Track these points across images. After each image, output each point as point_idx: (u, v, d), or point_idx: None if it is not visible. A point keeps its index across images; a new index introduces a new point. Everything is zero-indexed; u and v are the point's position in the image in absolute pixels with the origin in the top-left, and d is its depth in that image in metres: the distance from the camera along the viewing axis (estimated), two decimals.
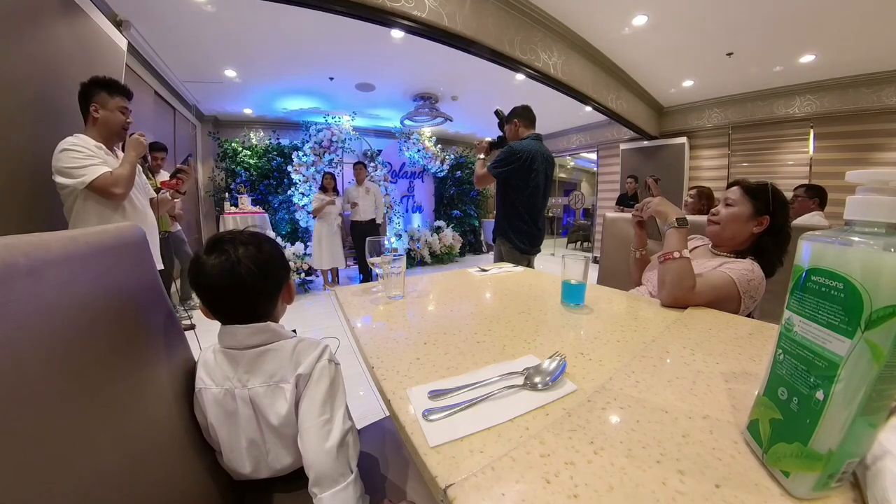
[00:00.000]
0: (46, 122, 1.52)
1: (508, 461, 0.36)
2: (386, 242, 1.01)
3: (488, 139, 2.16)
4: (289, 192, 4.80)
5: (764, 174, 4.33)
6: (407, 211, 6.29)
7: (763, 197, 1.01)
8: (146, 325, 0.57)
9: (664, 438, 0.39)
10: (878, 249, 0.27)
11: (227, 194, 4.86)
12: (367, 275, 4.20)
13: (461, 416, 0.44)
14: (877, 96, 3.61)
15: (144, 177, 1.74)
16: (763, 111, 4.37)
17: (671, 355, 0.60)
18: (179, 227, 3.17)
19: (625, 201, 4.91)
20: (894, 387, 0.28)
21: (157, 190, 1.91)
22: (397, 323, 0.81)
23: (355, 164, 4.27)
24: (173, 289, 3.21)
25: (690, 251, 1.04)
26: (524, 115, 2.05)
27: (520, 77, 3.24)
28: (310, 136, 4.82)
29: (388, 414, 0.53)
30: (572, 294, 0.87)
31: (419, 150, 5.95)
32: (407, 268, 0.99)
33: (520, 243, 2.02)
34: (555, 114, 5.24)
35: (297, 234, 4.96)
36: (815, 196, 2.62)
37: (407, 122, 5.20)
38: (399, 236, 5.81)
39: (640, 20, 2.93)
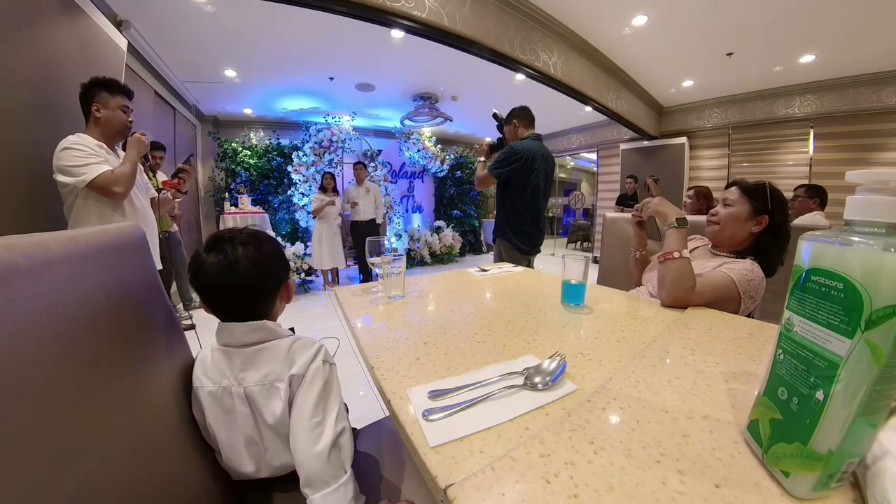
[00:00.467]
0: (46, 122, 1.52)
1: (508, 461, 0.36)
2: (386, 242, 1.01)
3: (488, 140, 2.16)
4: (289, 192, 4.80)
5: (764, 174, 4.33)
6: (407, 211, 6.29)
7: (762, 196, 1.01)
8: (146, 325, 0.57)
9: (664, 438, 0.39)
10: (878, 249, 0.27)
11: (227, 194, 4.86)
12: (367, 275, 4.20)
13: (461, 416, 0.44)
14: (877, 96, 3.61)
15: (145, 176, 1.74)
16: (763, 111, 4.37)
17: (671, 355, 0.60)
18: (177, 228, 3.17)
19: (624, 201, 4.91)
20: (894, 387, 0.28)
21: (159, 190, 1.91)
22: (397, 323, 0.81)
23: (355, 164, 4.27)
24: (173, 289, 3.22)
25: (690, 251, 1.04)
26: (523, 115, 2.05)
27: (520, 77, 3.24)
28: (310, 136, 4.82)
29: (387, 414, 0.53)
30: (572, 294, 0.87)
31: (419, 150, 5.95)
32: (407, 268, 0.99)
33: (520, 243, 2.02)
34: (555, 114, 5.23)
35: (297, 234, 4.96)
36: (816, 196, 2.62)
37: (407, 122, 5.20)
38: (399, 236, 5.81)
39: (640, 20, 2.93)
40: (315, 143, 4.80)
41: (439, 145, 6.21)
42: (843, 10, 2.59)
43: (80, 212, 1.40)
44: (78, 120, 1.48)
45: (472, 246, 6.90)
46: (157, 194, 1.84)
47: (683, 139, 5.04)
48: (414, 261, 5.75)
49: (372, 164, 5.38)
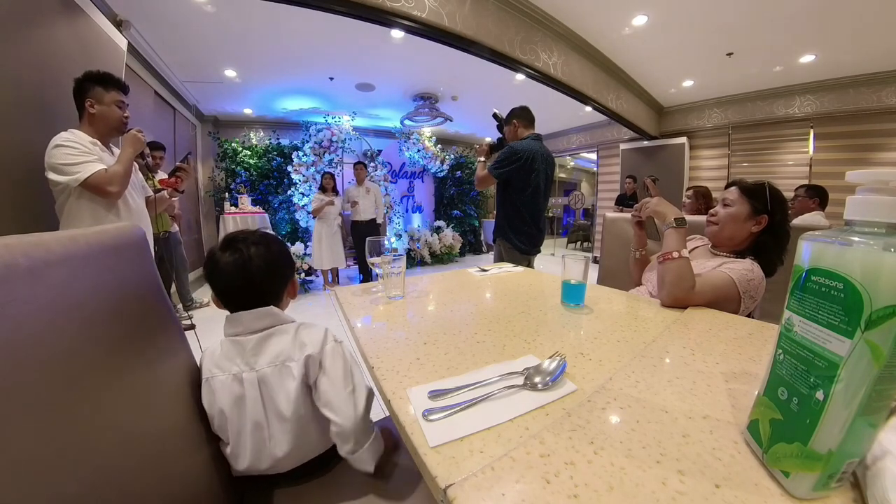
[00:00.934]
0: (45, 122, 1.52)
1: (508, 461, 0.36)
2: (386, 242, 1.01)
3: (488, 140, 2.16)
4: (289, 192, 4.80)
5: (764, 174, 4.33)
6: (407, 211, 6.29)
7: (761, 196, 1.01)
8: (146, 325, 0.57)
9: (664, 438, 0.39)
10: (878, 249, 0.27)
11: (227, 194, 4.86)
12: (367, 275, 4.20)
13: (461, 416, 0.44)
14: (877, 96, 3.61)
15: (140, 175, 1.70)
16: (763, 111, 4.37)
17: (671, 355, 0.60)
18: (177, 229, 3.16)
19: (623, 201, 4.91)
20: (894, 387, 0.28)
21: (157, 190, 1.89)
22: (397, 323, 0.81)
23: (355, 164, 4.27)
24: (173, 288, 3.22)
25: (690, 251, 1.04)
26: (523, 115, 2.05)
27: (520, 77, 3.24)
28: (310, 136, 4.81)
29: (387, 414, 0.53)
30: (572, 294, 0.87)
31: (419, 150, 5.95)
32: (407, 268, 0.99)
33: (520, 244, 2.02)
34: (555, 114, 5.24)
35: (297, 234, 4.95)
36: (816, 196, 2.62)
37: (407, 122, 5.20)
38: (399, 236, 5.81)
39: (640, 20, 2.93)
40: (315, 143, 4.80)
41: (439, 145, 6.20)
42: (843, 10, 2.59)
43: (73, 211, 1.35)
44: (74, 118, 1.44)
45: (472, 246, 6.90)
46: (152, 194, 1.79)
47: (683, 139, 5.04)
48: (414, 261, 5.75)
49: (372, 164, 5.38)
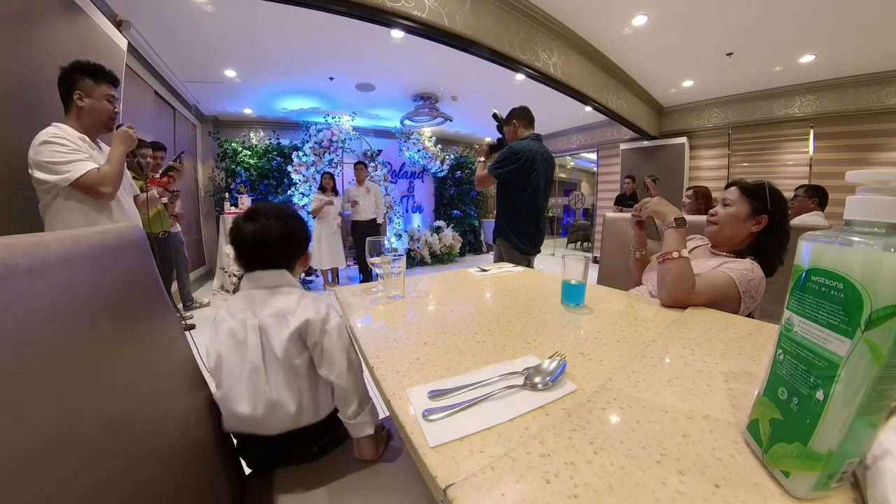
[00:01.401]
0: (45, 122, 1.51)
1: (508, 461, 0.36)
2: (386, 242, 1.01)
3: (488, 140, 2.17)
4: (289, 193, 4.80)
5: (764, 174, 4.33)
6: (407, 211, 6.29)
7: (761, 196, 1.01)
8: (147, 325, 0.57)
9: (664, 438, 0.39)
10: (878, 249, 0.27)
11: (227, 194, 4.86)
12: (367, 275, 4.20)
13: (461, 416, 0.44)
14: (877, 96, 3.61)
15: (129, 172, 1.59)
16: (763, 111, 4.37)
17: (671, 355, 0.60)
18: (179, 228, 3.16)
19: (623, 201, 4.91)
20: (894, 387, 0.28)
21: (143, 189, 1.80)
22: (397, 323, 0.81)
23: (356, 164, 4.27)
24: (174, 288, 3.22)
25: (690, 251, 1.04)
26: (523, 115, 2.05)
27: (520, 77, 3.24)
28: (310, 136, 4.81)
29: (388, 414, 0.53)
30: (572, 294, 0.87)
31: (419, 150, 5.94)
32: (407, 268, 0.99)
33: (520, 244, 2.02)
34: (555, 114, 5.23)
35: None
36: (815, 196, 2.62)
37: (407, 122, 5.20)
38: (399, 236, 5.81)
39: (640, 20, 2.93)
40: (315, 143, 4.79)
41: (439, 145, 6.20)
42: (843, 10, 2.59)
43: (61, 212, 1.27)
44: (61, 111, 1.35)
45: (472, 246, 6.90)
46: (140, 193, 1.72)
47: (683, 139, 5.04)
48: (414, 261, 5.74)
49: (372, 164, 5.38)
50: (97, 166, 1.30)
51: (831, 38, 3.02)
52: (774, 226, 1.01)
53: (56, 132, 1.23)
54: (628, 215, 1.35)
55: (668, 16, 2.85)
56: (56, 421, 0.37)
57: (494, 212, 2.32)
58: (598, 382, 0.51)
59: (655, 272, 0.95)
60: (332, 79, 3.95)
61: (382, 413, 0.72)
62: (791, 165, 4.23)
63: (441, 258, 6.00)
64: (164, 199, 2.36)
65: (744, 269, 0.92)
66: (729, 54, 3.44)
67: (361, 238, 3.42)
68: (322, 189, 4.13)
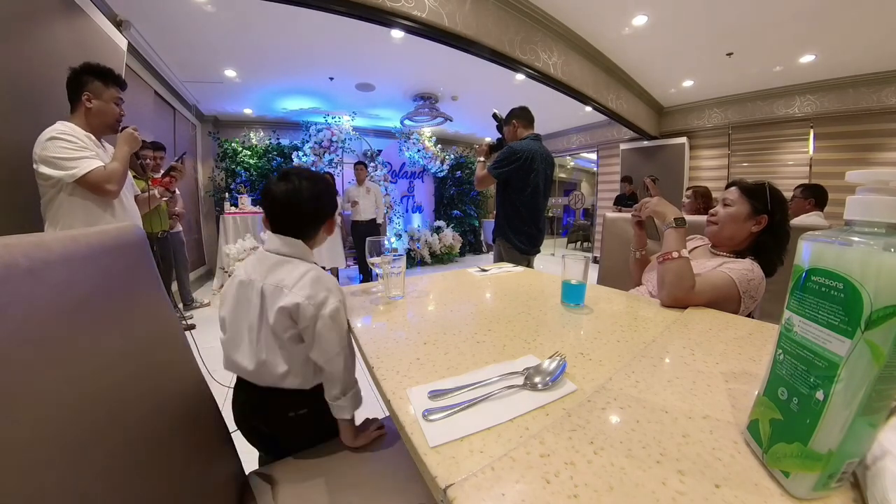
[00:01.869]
0: (45, 122, 1.52)
1: (508, 461, 0.36)
2: (386, 242, 1.01)
3: (488, 140, 2.17)
4: None
5: (764, 174, 4.33)
6: (407, 211, 6.29)
7: (761, 196, 1.01)
8: (146, 325, 0.57)
9: (664, 438, 0.39)
10: (878, 249, 0.27)
11: (227, 194, 4.86)
12: (367, 275, 4.20)
13: (461, 416, 0.44)
14: (877, 96, 3.61)
15: (130, 173, 1.63)
16: (763, 111, 4.37)
17: (671, 355, 0.60)
18: (181, 228, 3.16)
19: (622, 201, 4.91)
20: (894, 387, 0.28)
21: (145, 189, 1.84)
22: (397, 323, 0.81)
23: (356, 164, 4.27)
24: (174, 288, 3.22)
25: (690, 251, 1.04)
26: (522, 115, 2.05)
27: (520, 77, 3.24)
28: (310, 136, 4.82)
29: (387, 414, 0.53)
30: (572, 294, 0.87)
31: (419, 150, 5.94)
32: (407, 268, 0.99)
33: (519, 244, 2.02)
34: (555, 114, 5.23)
35: None
36: (811, 196, 2.60)
37: (407, 122, 5.20)
38: (399, 236, 5.81)
39: (640, 20, 2.93)
40: (315, 143, 4.80)
41: (439, 145, 6.20)
42: (843, 10, 2.59)
43: (64, 208, 1.29)
44: (66, 110, 1.38)
45: (472, 246, 6.90)
46: (140, 192, 1.75)
47: (683, 139, 5.04)
48: (414, 261, 5.74)
49: (372, 164, 5.38)
50: (103, 164, 1.33)
51: (831, 38, 3.02)
52: (774, 226, 1.01)
53: (64, 129, 1.26)
54: (628, 215, 1.35)
55: (669, 16, 2.85)
56: (56, 421, 0.37)
57: (494, 212, 2.32)
58: (598, 382, 0.51)
59: (655, 272, 0.95)
60: (332, 79, 3.95)
61: (382, 413, 0.72)
62: (791, 165, 4.23)
63: (441, 258, 6.00)
64: (166, 199, 2.37)
65: (744, 270, 0.92)
66: (729, 54, 3.44)
67: (361, 238, 3.42)
68: None
